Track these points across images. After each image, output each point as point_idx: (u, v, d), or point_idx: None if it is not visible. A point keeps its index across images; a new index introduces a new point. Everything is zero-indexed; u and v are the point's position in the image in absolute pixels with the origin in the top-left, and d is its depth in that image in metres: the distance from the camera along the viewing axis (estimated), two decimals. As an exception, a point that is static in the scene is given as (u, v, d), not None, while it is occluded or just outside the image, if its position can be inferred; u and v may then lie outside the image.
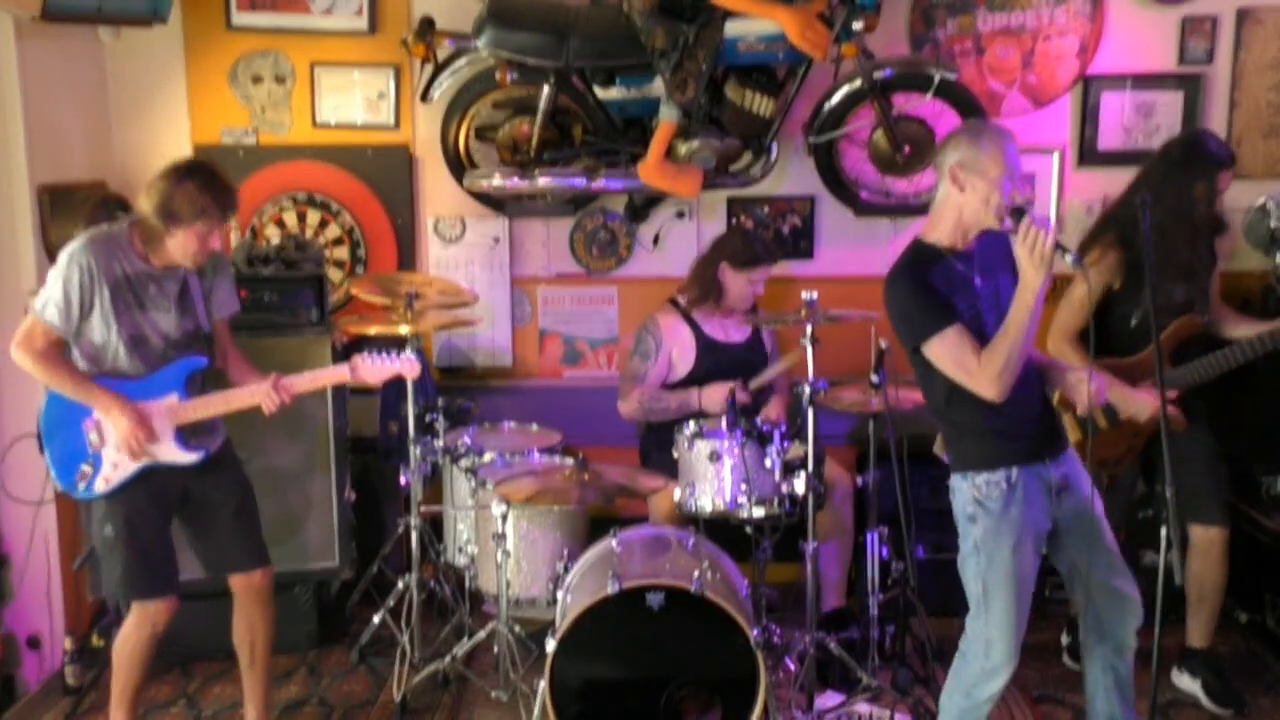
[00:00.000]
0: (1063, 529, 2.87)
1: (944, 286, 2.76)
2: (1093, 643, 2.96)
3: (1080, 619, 2.99)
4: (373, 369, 3.19)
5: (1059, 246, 2.59)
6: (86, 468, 3.04)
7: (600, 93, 4.17)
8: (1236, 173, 4.30)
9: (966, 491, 2.83)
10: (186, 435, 3.10)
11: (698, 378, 4.02)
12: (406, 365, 3.22)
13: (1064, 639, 3.91)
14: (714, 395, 3.90)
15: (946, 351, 2.73)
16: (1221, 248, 3.64)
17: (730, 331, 4.11)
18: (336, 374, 3.22)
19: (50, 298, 2.97)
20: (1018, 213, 2.64)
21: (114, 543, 3.07)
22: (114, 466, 3.05)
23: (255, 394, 3.11)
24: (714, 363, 4.03)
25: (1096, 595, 2.87)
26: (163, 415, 3.05)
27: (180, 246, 2.97)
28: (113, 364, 3.03)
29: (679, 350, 4.06)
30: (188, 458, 3.10)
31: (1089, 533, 2.84)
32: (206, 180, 2.95)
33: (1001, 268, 2.83)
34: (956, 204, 2.76)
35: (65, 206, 3.90)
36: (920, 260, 2.81)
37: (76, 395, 3.00)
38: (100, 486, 3.05)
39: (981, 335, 2.75)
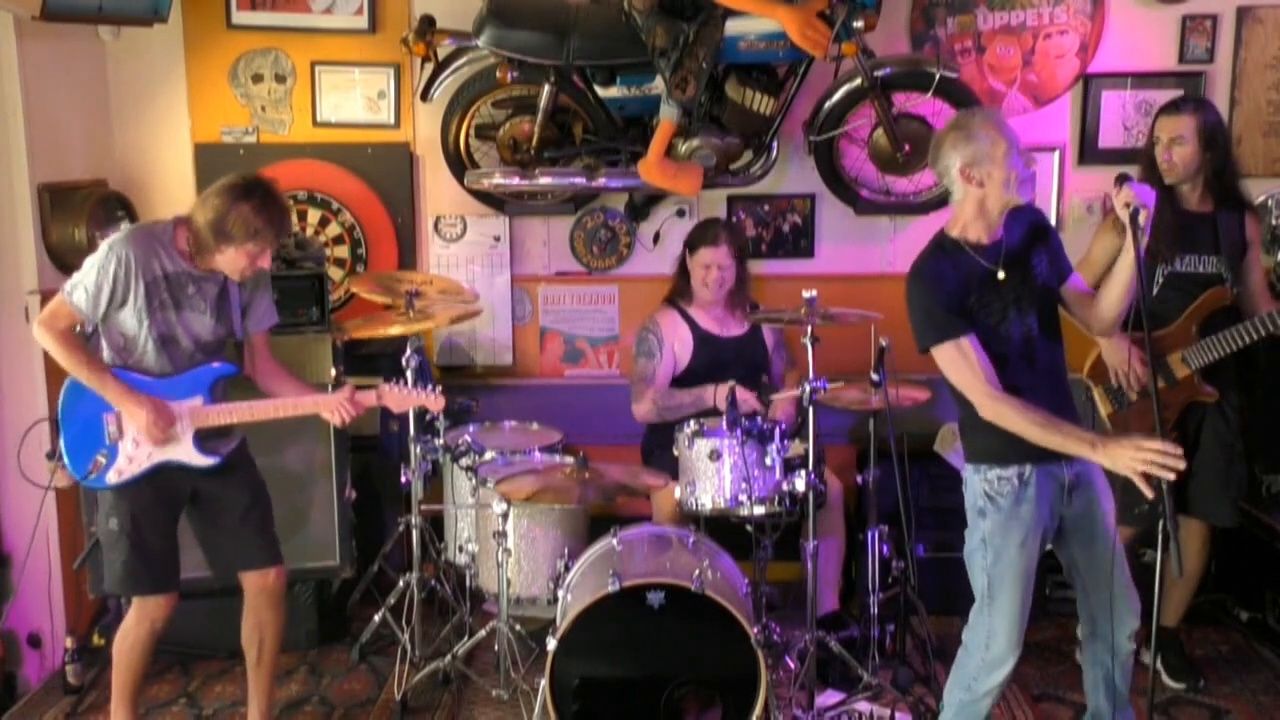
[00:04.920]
0: (1068, 526, 2.86)
1: (962, 286, 2.75)
2: (1087, 637, 2.97)
3: (1079, 613, 2.99)
4: (397, 397, 3.25)
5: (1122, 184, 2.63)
6: (101, 458, 3.04)
7: (601, 91, 4.16)
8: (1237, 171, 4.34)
9: (978, 485, 2.82)
10: (204, 439, 3.10)
11: (696, 371, 4.03)
12: (432, 399, 3.26)
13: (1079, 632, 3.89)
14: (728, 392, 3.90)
15: (950, 361, 2.74)
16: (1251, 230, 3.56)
17: (728, 325, 4.11)
18: (365, 398, 3.22)
19: (81, 282, 2.97)
20: (1122, 177, 2.70)
21: (117, 537, 3.08)
22: (129, 460, 3.05)
23: (323, 404, 3.15)
24: (711, 356, 4.04)
25: (1093, 594, 2.87)
26: (185, 416, 3.06)
27: (229, 263, 3.00)
28: (139, 359, 3.03)
29: (679, 344, 4.07)
30: (203, 462, 3.10)
31: (1093, 531, 2.83)
32: (263, 201, 2.95)
33: (1034, 248, 2.81)
34: (977, 198, 2.76)
35: (65, 206, 3.90)
36: (941, 256, 2.80)
37: (91, 382, 3.00)
38: (112, 479, 3.05)
39: (1002, 339, 2.74)
